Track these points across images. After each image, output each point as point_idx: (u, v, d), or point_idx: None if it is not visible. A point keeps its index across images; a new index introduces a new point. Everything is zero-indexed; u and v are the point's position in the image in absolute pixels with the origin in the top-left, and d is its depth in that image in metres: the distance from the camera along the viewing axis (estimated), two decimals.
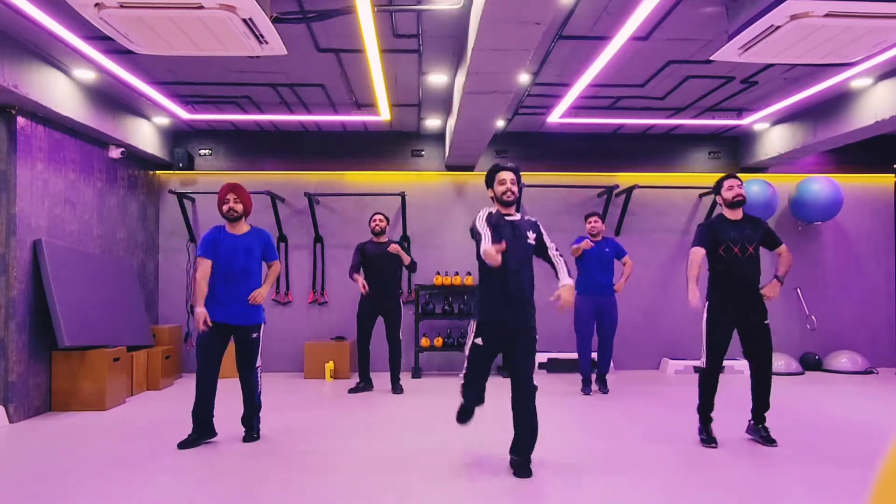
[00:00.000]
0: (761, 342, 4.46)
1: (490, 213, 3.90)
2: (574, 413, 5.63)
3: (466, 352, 3.96)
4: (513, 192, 3.90)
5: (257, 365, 4.66)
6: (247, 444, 4.57)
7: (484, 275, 3.90)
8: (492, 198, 4.00)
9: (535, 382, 3.79)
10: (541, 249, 3.94)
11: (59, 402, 5.73)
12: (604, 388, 6.56)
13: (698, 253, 4.48)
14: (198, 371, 4.51)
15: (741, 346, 4.59)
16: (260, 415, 4.74)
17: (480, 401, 4.06)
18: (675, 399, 6.19)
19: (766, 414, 4.56)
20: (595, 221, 6.56)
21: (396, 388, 6.62)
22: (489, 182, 3.99)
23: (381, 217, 6.79)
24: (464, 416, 4.15)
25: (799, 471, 3.91)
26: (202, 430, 4.53)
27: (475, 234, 3.79)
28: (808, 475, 3.82)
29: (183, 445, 4.42)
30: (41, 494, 3.52)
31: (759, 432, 4.54)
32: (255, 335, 4.59)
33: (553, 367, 7.87)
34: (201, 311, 4.43)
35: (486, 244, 3.61)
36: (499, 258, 3.52)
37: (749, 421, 4.67)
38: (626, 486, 3.63)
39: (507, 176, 3.92)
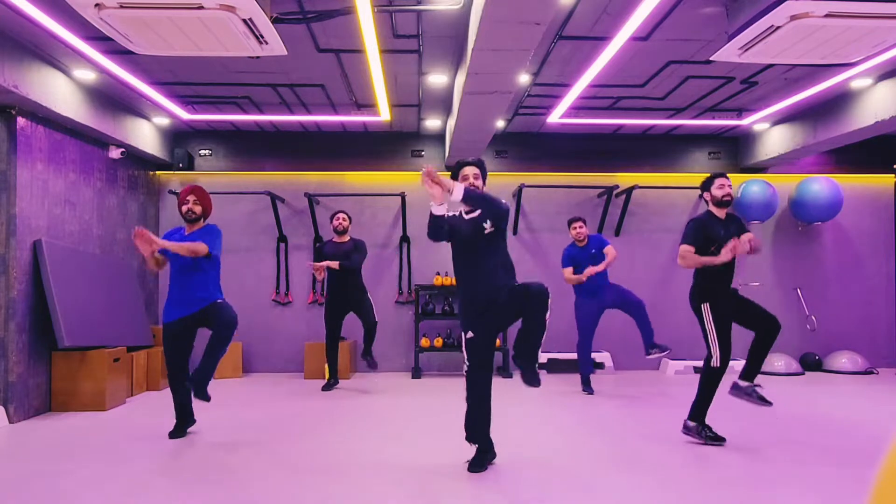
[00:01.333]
0: (752, 307, 4.49)
1: (452, 216, 3.90)
2: (574, 413, 5.63)
3: (464, 353, 3.91)
4: (475, 188, 3.83)
5: (228, 330, 4.64)
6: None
7: (457, 275, 3.93)
8: None
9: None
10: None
11: (59, 403, 5.73)
12: (663, 348, 6.32)
13: (691, 250, 4.45)
14: (168, 371, 4.74)
15: (742, 325, 4.54)
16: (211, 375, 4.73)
17: (486, 433, 3.92)
18: (675, 399, 6.19)
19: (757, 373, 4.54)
20: (580, 227, 6.55)
21: (366, 356, 6.64)
22: (453, 178, 3.91)
23: (343, 216, 6.77)
24: (480, 462, 3.88)
25: (799, 471, 3.91)
26: (184, 420, 4.78)
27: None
28: (808, 475, 3.82)
29: (173, 434, 4.70)
30: (41, 495, 3.52)
31: (754, 393, 4.49)
32: (219, 301, 4.69)
33: (553, 367, 7.86)
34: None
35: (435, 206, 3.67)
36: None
37: (736, 382, 4.58)
38: (625, 485, 3.63)
39: (469, 171, 3.86)
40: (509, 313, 3.84)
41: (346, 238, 6.77)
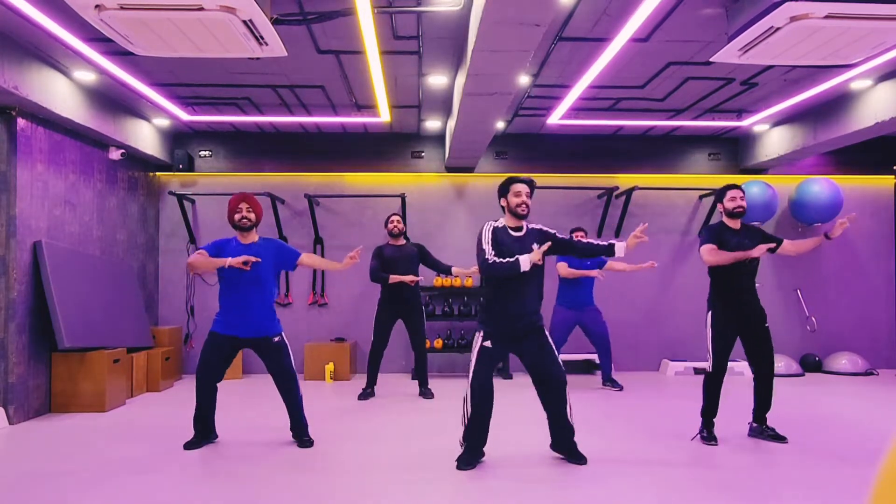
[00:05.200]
0: (763, 345, 4.57)
1: (495, 230, 3.92)
2: (574, 413, 5.61)
3: (473, 357, 3.90)
4: (527, 206, 3.92)
5: (293, 373, 4.57)
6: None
7: (490, 287, 3.92)
8: (503, 208, 4.00)
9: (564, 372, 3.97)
10: (566, 248, 4.05)
11: (59, 404, 5.73)
12: (616, 384, 6.84)
13: (714, 247, 4.52)
14: (197, 383, 4.46)
15: (743, 349, 4.68)
16: (306, 420, 4.63)
17: (484, 440, 4.00)
18: (675, 400, 6.19)
19: (766, 415, 4.63)
20: (581, 236, 6.72)
21: (427, 393, 6.47)
22: (503, 192, 3.98)
23: (398, 218, 6.61)
24: (470, 460, 3.95)
25: (799, 471, 3.91)
26: (204, 434, 4.57)
27: (492, 266, 3.79)
28: (809, 475, 3.82)
29: (189, 446, 4.47)
30: (41, 496, 3.52)
31: (766, 432, 4.61)
32: (276, 339, 4.51)
33: None
34: (232, 259, 4.29)
35: (526, 260, 3.74)
36: (538, 257, 3.75)
37: (750, 423, 4.71)
38: (625, 485, 3.63)
39: (522, 188, 3.94)
40: (507, 351, 4.12)
41: (402, 241, 6.61)
